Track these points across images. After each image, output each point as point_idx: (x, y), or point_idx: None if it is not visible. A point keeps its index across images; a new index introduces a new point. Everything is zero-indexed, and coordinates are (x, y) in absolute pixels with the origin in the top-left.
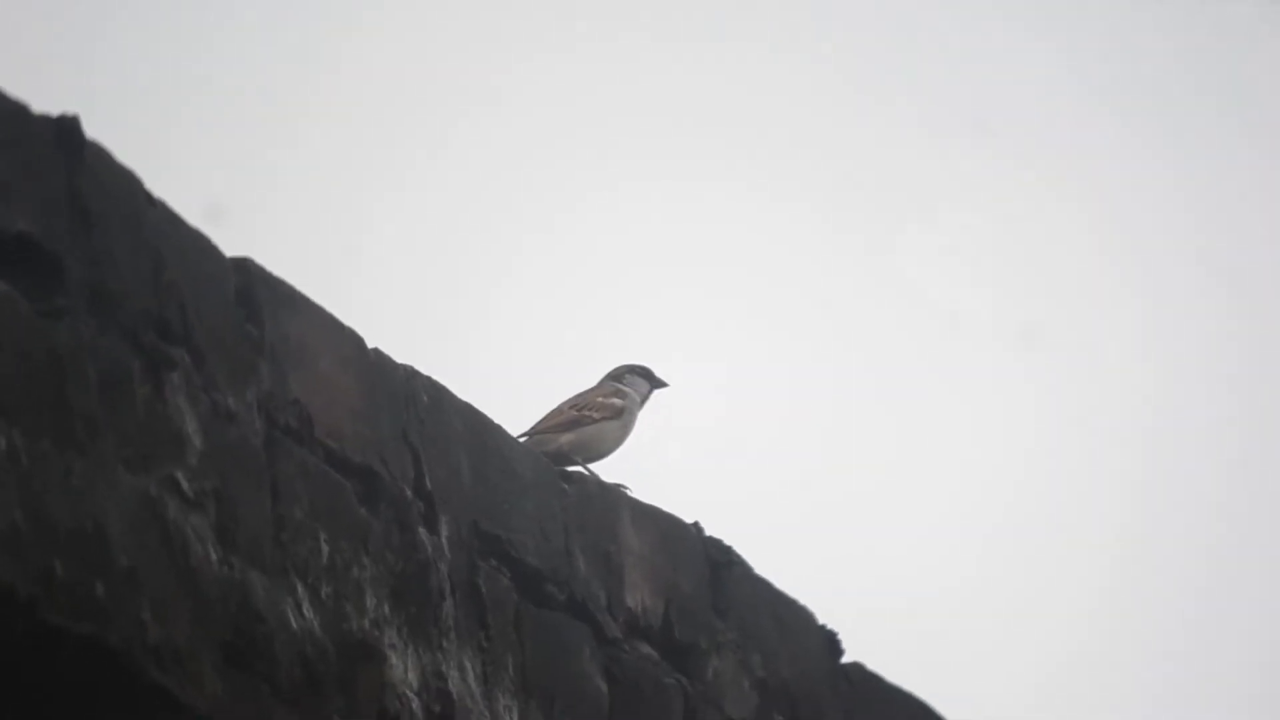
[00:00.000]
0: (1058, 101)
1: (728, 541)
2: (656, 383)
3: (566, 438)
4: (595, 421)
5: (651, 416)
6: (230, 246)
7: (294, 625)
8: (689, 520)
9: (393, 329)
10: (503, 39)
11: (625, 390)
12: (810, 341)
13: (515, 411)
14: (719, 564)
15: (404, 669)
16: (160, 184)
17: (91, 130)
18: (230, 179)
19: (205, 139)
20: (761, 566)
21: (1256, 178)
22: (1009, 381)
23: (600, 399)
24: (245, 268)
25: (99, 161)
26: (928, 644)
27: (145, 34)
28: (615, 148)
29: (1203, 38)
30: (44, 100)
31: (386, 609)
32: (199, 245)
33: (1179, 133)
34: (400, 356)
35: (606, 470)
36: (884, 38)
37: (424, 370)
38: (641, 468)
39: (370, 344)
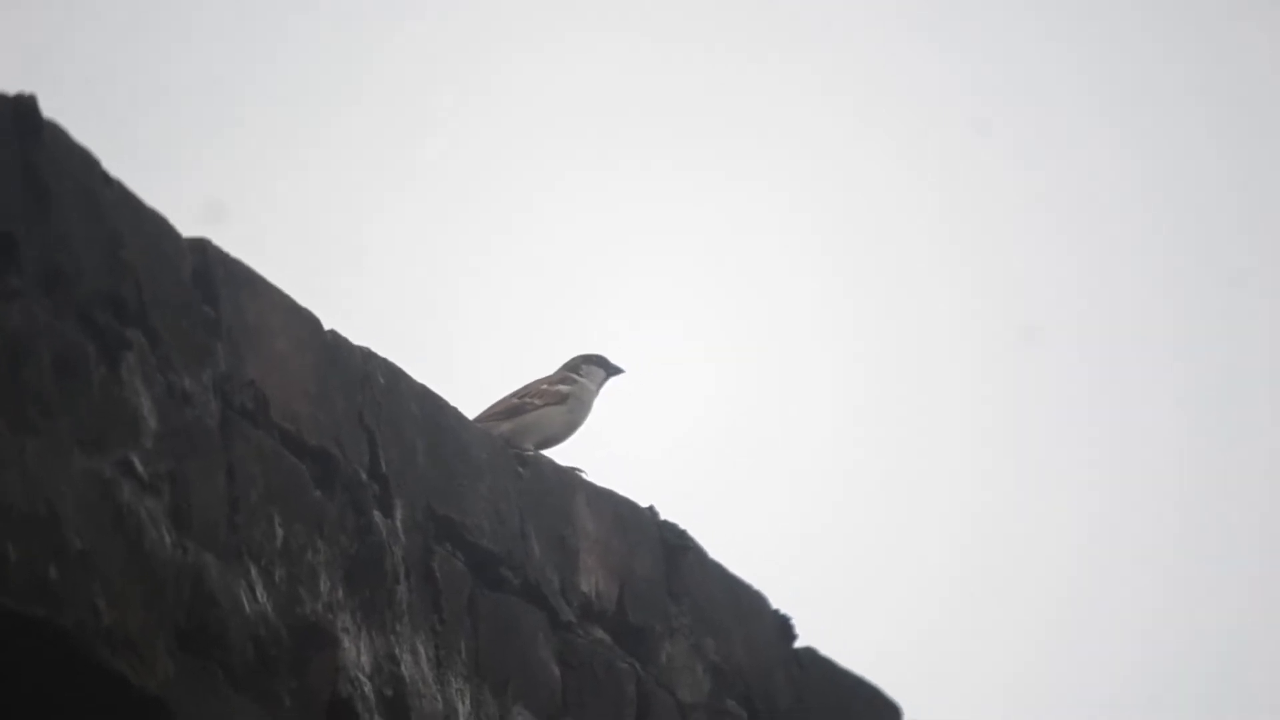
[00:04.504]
0: (1058, 101)
1: (682, 526)
2: (611, 369)
3: (505, 425)
4: (536, 408)
5: (608, 401)
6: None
7: (247, 609)
8: (644, 504)
9: (350, 311)
10: (480, 34)
11: (576, 378)
12: (771, 327)
13: (477, 396)
14: (674, 548)
15: (357, 653)
16: (155, 183)
17: (92, 131)
18: (239, 171)
19: (196, 137)
20: (716, 551)
21: (1256, 177)
22: (1006, 380)
23: (545, 386)
24: (202, 248)
25: (56, 141)
26: (891, 633)
27: (144, 34)
28: (589, 138)
29: (1203, 37)
30: (45, 100)
31: (340, 592)
32: (155, 225)
33: (1179, 133)
34: (357, 339)
35: (562, 454)
36: (883, 36)
37: (381, 353)
38: (597, 451)
39: (327, 326)
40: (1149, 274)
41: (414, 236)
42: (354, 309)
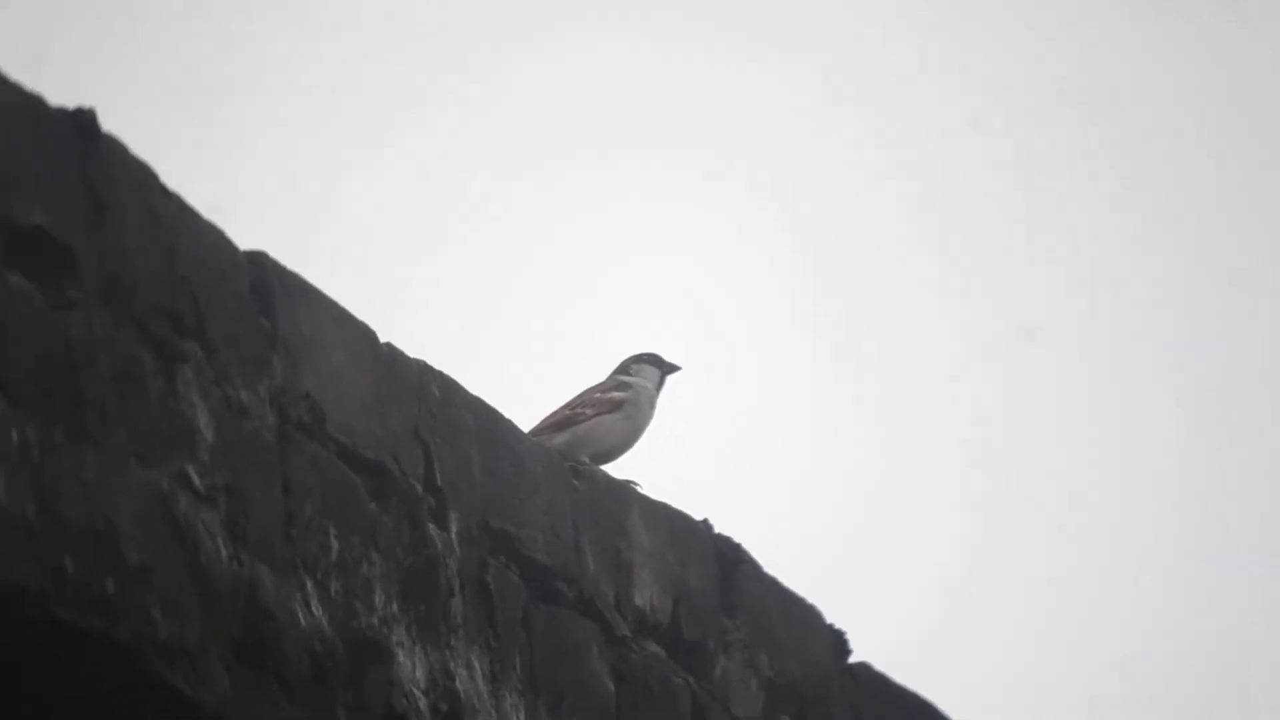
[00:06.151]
0: (1057, 101)
1: (736, 539)
2: (667, 367)
3: (560, 438)
4: (589, 418)
5: (664, 410)
6: (239, 240)
7: (303, 622)
8: (698, 517)
9: (405, 323)
10: (480, 34)
11: (629, 382)
12: (819, 339)
13: (530, 408)
14: (728, 561)
15: (412, 667)
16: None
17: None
18: (241, 173)
19: (211, 135)
20: (770, 564)
21: (1256, 177)
22: (1012, 380)
23: (598, 395)
24: (259, 261)
25: (114, 154)
26: (936, 642)
27: (144, 34)
28: (589, 138)
29: (1202, 37)
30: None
31: (395, 606)
32: (213, 238)
33: (1179, 133)
34: (412, 351)
35: (621, 465)
36: (882, 36)
37: (436, 365)
38: (651, 464)
39: (382, 339)
40: (1149, 274)
41: (412, 237)
42: (351, 310)
